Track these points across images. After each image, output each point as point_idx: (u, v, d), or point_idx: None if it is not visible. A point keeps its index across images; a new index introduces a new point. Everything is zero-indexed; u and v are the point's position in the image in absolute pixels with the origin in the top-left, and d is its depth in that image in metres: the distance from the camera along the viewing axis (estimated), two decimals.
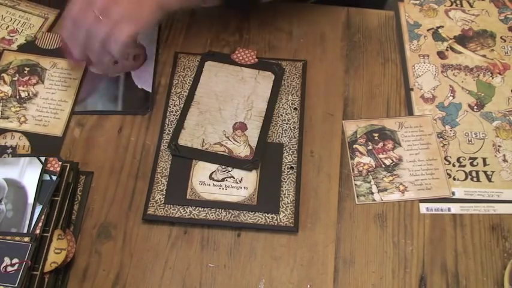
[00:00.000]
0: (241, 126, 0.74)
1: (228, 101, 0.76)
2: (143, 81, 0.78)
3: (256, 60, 0.79)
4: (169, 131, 0.74)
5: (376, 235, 0.68)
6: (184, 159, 0.72)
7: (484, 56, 0.82)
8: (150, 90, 0.78)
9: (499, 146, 0.74)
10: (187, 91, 0.77)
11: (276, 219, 0.68)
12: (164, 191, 0.70)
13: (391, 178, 0.72)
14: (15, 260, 0.60)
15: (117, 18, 0.66)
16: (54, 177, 0.66)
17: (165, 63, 0.80)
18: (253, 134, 0.73)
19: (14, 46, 0.82)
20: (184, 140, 0.73)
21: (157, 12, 0.68)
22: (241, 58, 0.79)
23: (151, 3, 0.68)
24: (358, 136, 0.75)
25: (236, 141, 0.73)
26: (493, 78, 0.80)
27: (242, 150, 0.72)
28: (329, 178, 0.72)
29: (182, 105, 0.76)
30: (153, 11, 0.68)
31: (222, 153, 0.72)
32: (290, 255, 0.67)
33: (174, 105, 0.76)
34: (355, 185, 0.71)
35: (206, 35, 0.83)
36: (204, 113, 0.75)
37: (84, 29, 0.67)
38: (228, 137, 0.73)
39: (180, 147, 0.72)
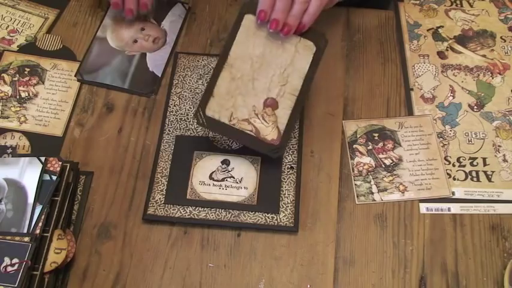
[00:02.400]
0: (272, 103, 0.69)
1: (263, 70, 0.69)
2: (155, 64, 0.81)
3: None
4: (169, 131, 0.74)
5: (376, 235, 0.68)
6: (185, 159, 0.71)
7: (484, 56, 0.82)
8: (159, 74, 0.80)
9: (499, 146, 0.74)
10: (222, 48, 0.70)
11: (276, 219, 0.68)
12: (164, 191, 0.70)
13: (391, 178, 0.72)
14: (15, 260, 0.60)
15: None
16: (54, 177, 0.66)
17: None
18: (283, 114, 0.69)
19: (14, 46, 0.82)
20: (212, 110, 0.68)
21: None
22: None
23: None
24: (358, 136, 0.75)
25: (265, 120, 0.69)
26: (493, 78, 0.80)
27: (269, 133, 0.69)
28: (329, 178, 0.72)
29: (214, 66, 0.70)
30: None
31: (248, 132, 0.69)
32: (290, 255, 0.67)
33: (174, 105, 0.76)
34: (355, 185, 0.71)
35: (206, 35, 0.83)
36: (236, 80, 0.69)
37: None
38: (257, 114, 0.69)
39: (207, 118, 0.68)
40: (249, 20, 0.69)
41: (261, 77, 0.69)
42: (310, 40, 0.70)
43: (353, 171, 0.72)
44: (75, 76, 0.79)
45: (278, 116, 0.69)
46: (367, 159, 0.73)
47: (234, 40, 0.69)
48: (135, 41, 0.82)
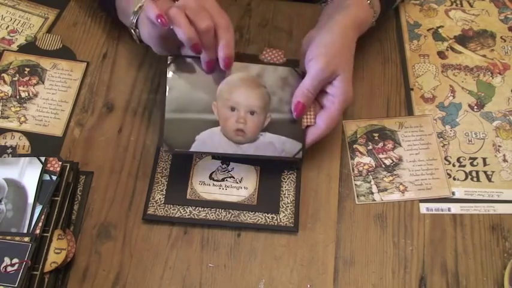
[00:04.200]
0: None
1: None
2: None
3: (285, 59, 0.75)
4: None
5: (376, 235, 0.68)
6: (185, 159, 0.71)
7: (484, 56, 0.82)
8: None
9: (499, 146, 0.74)
10: None
11: (276, 219, 0.68)
12: (164, 191, 0.70)
13: (391, 178, 0.72)
14: (15, 260, 0.60)
15: None
16: (54, 177, 0.66)
17: None
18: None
19: (14, 46, 0.82)
20: None
21: None
22: (269, 58, 0.77)
23: None
24: (358, 136, 0.75)
25: None
26: (493, 78, 0.80)
27: None
28: (329, 178, 0.72)
29: None
30: None
31: None
32: (290, 255, 0.67)
33: None
34: (355, 185, 0.71)
35: None
36: None
37: None
38: None
39: None
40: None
41: None
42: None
43: (353, 171, 0.72)
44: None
45: None
46: (367, 159, 0.73)
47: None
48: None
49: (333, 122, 0.68)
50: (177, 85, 0.67)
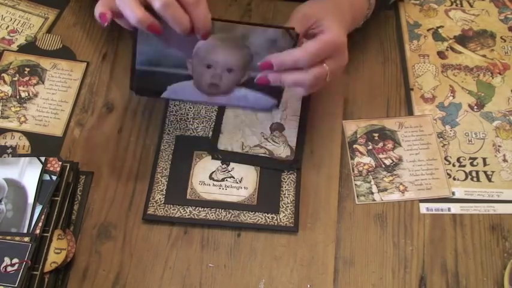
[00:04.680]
0: (278, 127, 0.74)
1: None
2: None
3: None
4: (169, 131, 0.74)
5: (376, 235, 0.68)
6: (185, 159, 0.72)
7: (484, 56, 0.82)
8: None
9: (499, 146, 0.74)
10: None
11: (276, 219, 0.68)
12: (164, 191, 0.70)
13: (391, 178, 0.72)
14: (15, 260, 0.60)
15: None
16: (54, 177, 0.66)
17: None
18: (291, 133, 0.73)
19: (14, 46, 0.82)
20: (223, 144, 0.72)
21: None
22: None
23: None
24: (358, 136, 0.75)
25: (275, 142, 0.73)
26: (493, 78, 0.80)
27: (282, 151, 0.72)
28: (329, 178, 0.72)
29: (216, 111, 0.75)
30: None
31: (263, 155, 0.72)
32: (290, 255, 0.67)
33: (174, 105, 0.76)
34: (355, 185, 0.71)
35: None
36: (240, 116, 0.74)
37: None
38: (266, 139, 0.73)
39: (221, 151, 0.72)
40: None
41: None
42: None
43: (353, 171, 0.72)
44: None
45: (287, 136, 0.73)
46: (367, 159, 0.73)
47: None
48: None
49: (325, 45, 0.59)
50: (149, 39, 0.61)
